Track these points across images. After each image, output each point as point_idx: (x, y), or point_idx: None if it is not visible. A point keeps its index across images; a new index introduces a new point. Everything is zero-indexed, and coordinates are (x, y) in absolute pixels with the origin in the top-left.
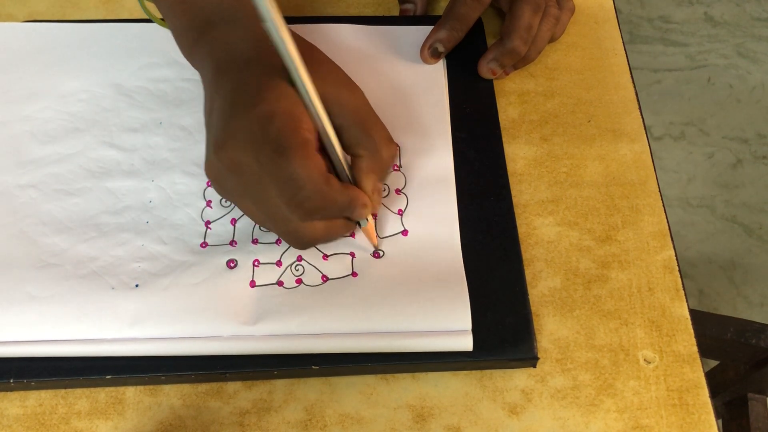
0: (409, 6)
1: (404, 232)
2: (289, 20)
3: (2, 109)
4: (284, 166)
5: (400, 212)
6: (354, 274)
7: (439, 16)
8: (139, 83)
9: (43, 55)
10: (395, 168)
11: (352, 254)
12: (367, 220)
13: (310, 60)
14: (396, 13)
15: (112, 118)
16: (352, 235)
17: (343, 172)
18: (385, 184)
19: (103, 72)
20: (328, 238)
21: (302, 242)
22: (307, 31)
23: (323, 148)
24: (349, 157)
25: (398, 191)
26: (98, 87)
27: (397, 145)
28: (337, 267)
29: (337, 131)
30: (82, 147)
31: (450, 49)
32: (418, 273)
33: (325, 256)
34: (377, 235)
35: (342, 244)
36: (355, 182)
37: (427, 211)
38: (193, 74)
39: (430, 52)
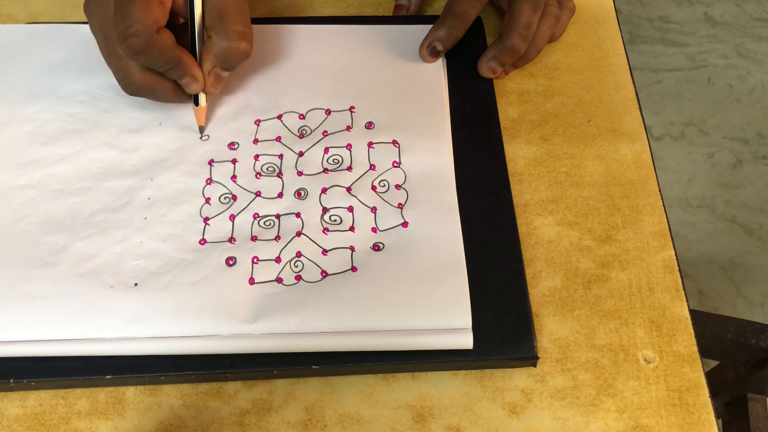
0: (403, 2)
1: (404, 224)
2: (289, 20)
3: (2, 110)
4: (126, 5)
5: (400, 206)
6: (353, 269)
7: (437, 16)
8: None
9: (44, 57)
10: (395, 164)
11: (352, 248)
12: (200, 101)
13: None
14: None
15: (111, 119)
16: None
17: (194, 48)
18: (385, 180)
19: (103, 73)
20: (155, 93)
21: (128, 83)
22: (307, 31)
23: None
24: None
25: (398, 186)
26: (98, 88)
27: (249, 45)
28: (336, 262)
29: (205, 13)
30: (82, 147)
31: (449, 48)
32: (418, 267)
33: (324, 251)
34: (206, 120)
35: (341, 239)
36: (200, 62)
37: (427, 204)
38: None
39: (428, 51)
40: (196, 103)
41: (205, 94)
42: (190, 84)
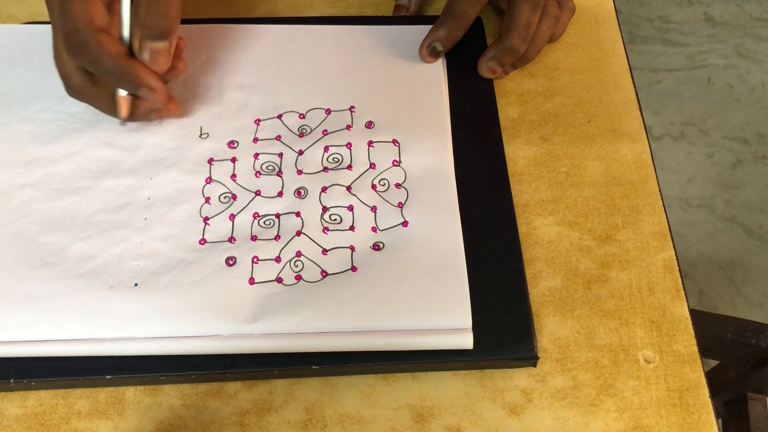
0: (403, 2)
1: (404, 224)
2: (290, 20)
3: (2, 109)
4: (65, 5)
5: (400, 205)
6: (353, 268)
7: (436, 16)
8: None
9: (43, 57)
10: (395, 163)
11: (352, 248)
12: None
13: None
14: None
15: (111, 119)
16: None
17: (125, 34)
18: (385, 179)
19: None
20: (92, 99)
21: (68, 82)
22: (307, 31)
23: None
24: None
25: (398, 185)
26: None
27: (173, 9)
28: (336, 261)
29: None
30: (82, 147)
31: (449, 48)
32: (418, 267)
33: (324, 251)
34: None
35: (341, 239)
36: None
37: (427, 203)
38: (193, 74)
39: (428, 51)
40: (120, 92)
41: (165, 81)
42: (149, 95)
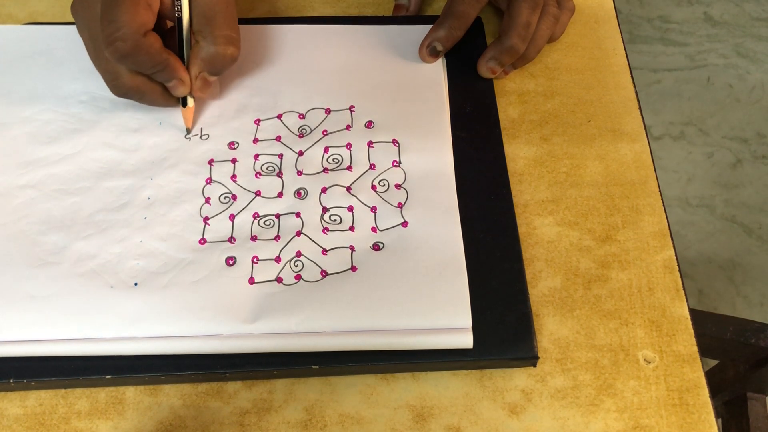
0: (403, 2)
1: (404, 224)
2: (290, 20)
3: (3, 110)
4: (113, 8)
5: (400, 205)
6: (353, 268)
7: (436, 16)
8: None
9: (44, 58)
10: (395, 164)
11: (352, 248)
12: (188, 102)
13: None
14: None
15: (111, 119)
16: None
17: (182, 52)
18: (385, 180)
19: None
20: (143, 96)
21: (115, 85)
22: (307, 31)
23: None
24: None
25: (398, 186)
26: (98, 88)
27: (236, 49)
28: (336, 261)
29: (192, 17)
30: (82, 147)
31: (449, 48)
32: (418, 267)
33: (324, 251)
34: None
35: (341, 239)
36: (188, 66)
37: (427, 203)
38: None
39: (428, 51)
40: (184, 104)
41: (193, 98)
42: (177, 87)
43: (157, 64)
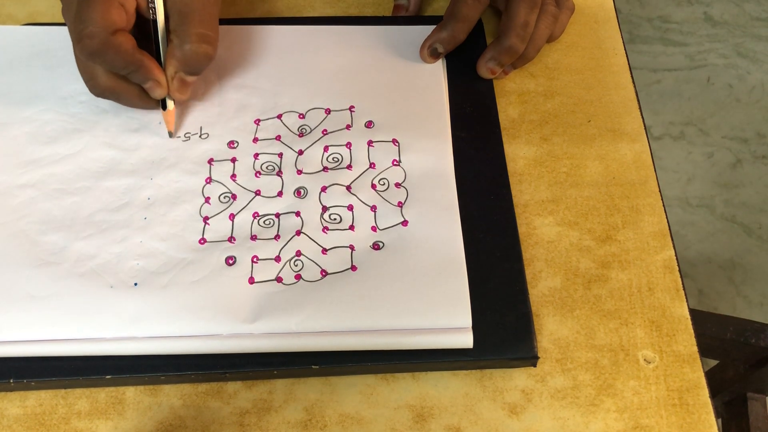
0: (402, 2)
1: (404, 223)
2: (290, 21)
3: (2, 110)
4: (84, 7)
5: (400, 204)
6: (353, 268)
7: (437, 16)
8: None
9: (44, 58)
10: (394, 163)
11: (352, 247)
12: (167, 105)
13: None
14: None
15: (111, 119)
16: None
17: (159, 53)
18: (385, 179)
19: None
20: (120, 97)
21: (93, 85)
22: (307, 31)
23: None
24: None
25: (398, 185)
26: None
27: (211, 48)
28: (336, 261)
29: (168, 17)
30: (82, 147)
31: (450, 50)
32: (418, 266)
33: (324, 251)
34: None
35: (341, 238)
36: (164, 67)
37: (427, 202)
38: None
39: (429, 52)
40: (164, 107)
41: (172, 99)
42: (154, 89)
43: (129, 63)
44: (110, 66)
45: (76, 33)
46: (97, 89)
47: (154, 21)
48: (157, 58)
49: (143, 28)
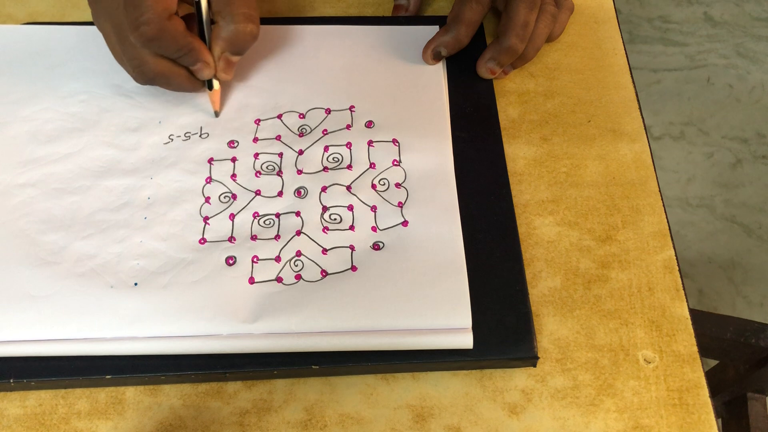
0: (402, 2)
1: (404, 223)
2: (290, 21)
3: (2, 109)
4: None
5: (400, 204)
6: (353, 268)
7: (437, 16)
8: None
9: (44, 57)
10: (395, 163)
11: (352, 247)
12: (213, 85)
13: None
14: None
15: (111, 119)
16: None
17: (203, 34)
18: (385, 179)
19: (102, 73)
20: (170, 81)
21: (142, 71)
22: (307, 31)
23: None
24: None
25: (398, 185)
26: (98, 88)
27: (255, 26)
28: (336, 261)
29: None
30: (82, 147)
31: (452, 53)
32: (418, 267)
33: (324, 251)
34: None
35: (341, 238)
36: (210, 47)
37: (427, 202)
38: None
39: (432, 55)
40: (210, 87)
41: (218, 80)
42: (202, 69)
43: (182, 47)
44: (165, 51)
45: (132, 20)
46: (148, 75)
47: (198, 3)
48: (202, 40)
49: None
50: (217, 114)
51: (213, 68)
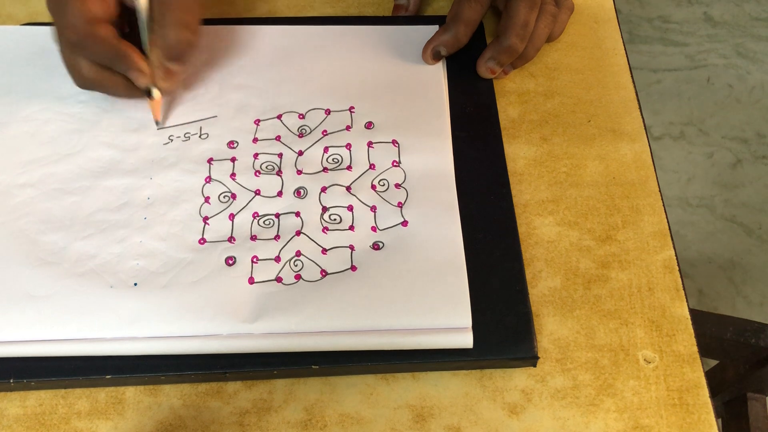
0: (402, 2)
1: (404, 223)
2: (290, 21)
3: (2, 110)
4: (64, 2)
5: (400, 205)
6: (353, 268)
7: (436, 16)
8: None
9: (44, 58)
10: (394, 164)
11: (352, 247)
12: (153, 94)
13: None
14: None
15: (111, 119)
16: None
17: (145, 43)
18: (385, 179)
19: None
20: (106, 87)
21: (78, 77)
22: (307, 32)
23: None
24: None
25: (398, 186)
26: None
27: (192, 34)
28: (336, 261)
29: (152, 6)
30: (82, 147)
31: (452, 53)
32: (418, 266)
33: (324, 251)
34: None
35: (340, 238)
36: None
37: (427, 203)
38: (193, 74)
39: (432, 54)
40: (150, 96)
41: (158, 89)
42: (137, 78)
43: (110, 53)
44: (92, 56)
45: (58, 25)
46: (82, 81)
47: (137, 10)
48: (143, 48)
49: (130, 18)
50: (158, 124)
51: (148, 75)
